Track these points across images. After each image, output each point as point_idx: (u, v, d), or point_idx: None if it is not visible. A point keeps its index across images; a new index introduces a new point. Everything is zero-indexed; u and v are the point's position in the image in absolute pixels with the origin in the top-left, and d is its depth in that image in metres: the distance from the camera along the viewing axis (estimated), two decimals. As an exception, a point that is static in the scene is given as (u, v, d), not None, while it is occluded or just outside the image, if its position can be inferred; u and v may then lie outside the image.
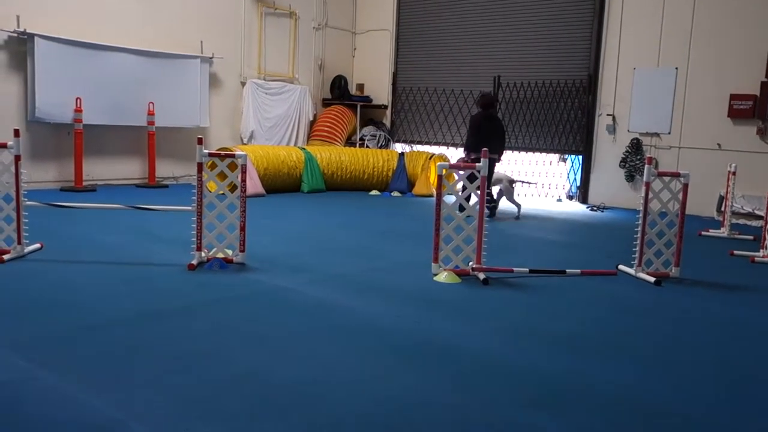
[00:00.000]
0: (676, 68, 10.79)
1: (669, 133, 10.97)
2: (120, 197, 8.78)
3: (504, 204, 9.82)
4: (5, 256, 5.33)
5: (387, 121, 14.29)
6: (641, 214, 5.86)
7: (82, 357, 3.38)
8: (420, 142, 13.80)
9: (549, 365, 3.60)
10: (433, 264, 5.57)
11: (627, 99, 11.34)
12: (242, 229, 5.55)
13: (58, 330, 3.79)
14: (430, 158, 11.91)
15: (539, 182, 12.46)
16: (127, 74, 10.50)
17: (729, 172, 8.57)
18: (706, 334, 4.38)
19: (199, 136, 5.67)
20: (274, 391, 3.08)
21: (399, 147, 14.01)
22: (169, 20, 11.20)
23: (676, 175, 5.89)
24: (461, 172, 5.69)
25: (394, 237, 7.54)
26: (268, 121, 12.82)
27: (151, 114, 10.76)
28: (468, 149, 9.23)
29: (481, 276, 5.43)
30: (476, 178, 5.54)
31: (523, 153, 12.61)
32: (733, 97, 10.22)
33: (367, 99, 14.19)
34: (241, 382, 3.16)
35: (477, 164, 5.57)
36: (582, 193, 11.97)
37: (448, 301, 4.85)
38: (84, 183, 9.97)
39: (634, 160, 11.26)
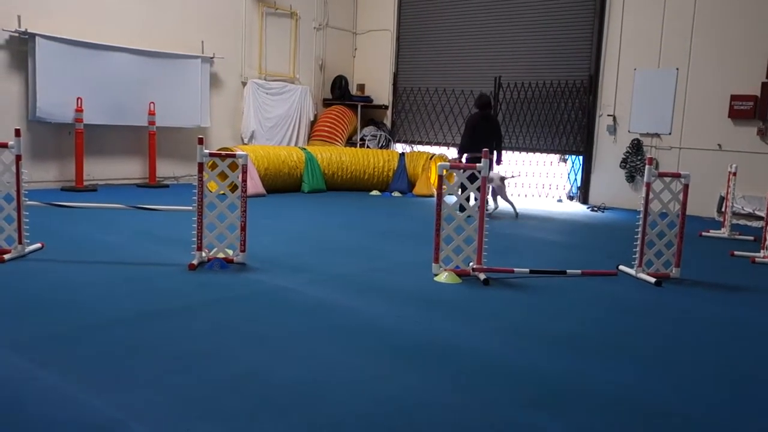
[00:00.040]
0: (677, 69, 10.79)
1: (669, 133, 10.97)
2: (121, 197, 8.78)
3: (502, 204, 9.81)
4: (6, 256, 5.33)
5: (388, 122, 14.30)
6: (642, 215, 5.86)
7: (82, 357, 3.39)
8: (420, 143, 13.80)
9: (549, 365, 3.60)
10: (433, 264, 5.57)
11: (627, 99, 11.35)
12: (243, 229, 5.55)
13: (59, 330, 3.79)
14: (431, 158, 11.91)
15: (538, 181, 12.47)
16: (128, 74, 10.51)
17: (729, 172, 8.56)
18: (707, 335, 4.38)
19: (200, 136, 5.67)
20: (275, 391, 3.08)
21: (399, 147, 14.02)
22: (170, 20, 11.21)
23: (676, 176, 5.89)
24: (461, 172, 5.69)
25: (394, 237, 7.54)
26: (268, 121, 12.83)
27: (151, 114, 10.77)
28: (463, 149, 9.25)
29: (482, 276, 5.43)
30: (475, 178, 5.54)
31: (523, 153, 12.60)
32: (733, 97, 10.22)
33: (368, 99, 14.19)
34: (241, 382, 3.16)
35: (478, 164, 5.57)
36: (582, 194, 11.97)
37: (448, 301, 4.85)
38: (85, 183, 9.98)
39: (634, 160, 11.26)
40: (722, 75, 10.35)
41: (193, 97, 11.42)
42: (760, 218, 8.93)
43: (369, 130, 13.92)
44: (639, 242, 5.87)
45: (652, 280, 5.67)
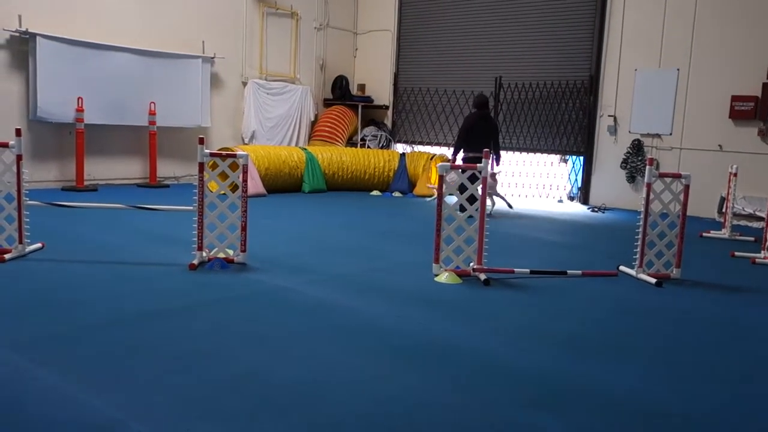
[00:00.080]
0: (678, 69, 10.79)
1: (670, 134, 10.96)
2: (121, 197, 8.79)
3: (501, 204, 9.82)
4: (7, 256, 5.33)
5: (388, 122, 14.30)
6: (642, 215, 5.85)
7: (82, 357, 3.39)
8: (421, 143, 13.80)
9: (550, 366, 3.60)
10: (434, 264, 5.56)
11: (628, 100, 11.34)
12: (243, 229, 5.55)
13: (59, 329, 3.79)
14: (431, 159, 11.90)
15: (539, 182, 12.48)
16: (128, 74, 10.51)
17: (730, 173, 8.56)
18: (707, 335, 4.38)
19: (201, 136, 5.67)
20: (275, 391, 3.08)
21: (400, 147, 14.02)
22: (170, 20, 11.21)
23: (677, 177, 5.89)
24: (461, 173, 5.69)
25: (394, 237, 7.54)
26: (269, 121, 12.83)
27: (152, 114, 10.78)
28: (458, 148, 9.28)
29: (482, 277, 5.43)
30: (475, 178, 5.54)
31: (524, 154, 12.60)
32: (734, 98, 10.22)
33: (369, 99, 14.19)
34: (241, 382, 3.16)
35: (478, 164, 5.57)
36: (583, 194, 11.97)
37: (448, 301, 4.85)
38: (85, 183, 9.98)
39: (635, 161, 11.26)
40: (723, 75, 10.35)
41: (194, 97, 11.42)
42: (760, 219, 8.92)
43: (369, 131, 13.92)
44: (639, 243, 5.86)
45: (653, 280, 5.67)
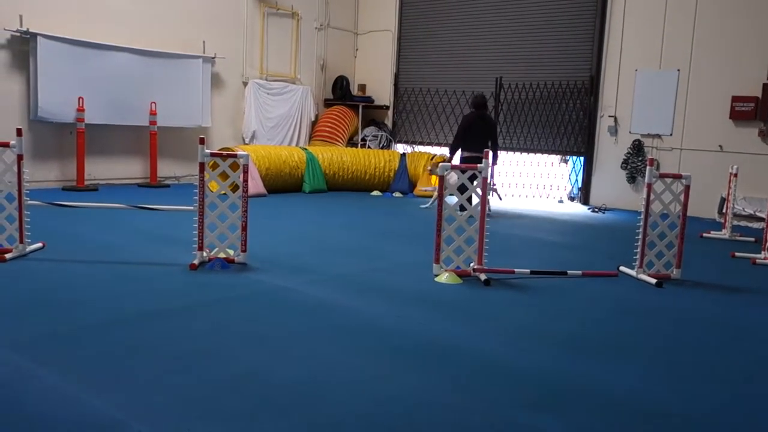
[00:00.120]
0: (678, 70, 10.79)
1: (671, 134, 10.96)
2: (122, 197, 8.79)
3: (497, 203, 9.85)
4: (7, 255, 5.34)
5: (389, 122, 14.30)
6: (642, 216, 5.85)
7: (82, 357, 3.39)
8: (421, 143, 13.79)
9: (550, 366, 3.60)
10: (434, 265, 5.56)
11: (629, 100, 11.34)
12: (244, 229, 5.55)
13: (59, 329, 3.79)
14: (432, 159, 11.90)
15: (539, 182, 12.49)
16: (129, 74, 10.51)
17: (730, 173, 8.56)
18: (707, 336, 4.38)
19: (201, 136, 5.68)
20: (275, 391, 3.08)
21: (400, 148, 14.02)
22: (171, 20, 11.21)
23: (677, 177, 5.89)
24: (460, 173, 5.69)
25: (395, 237, 7.54)
26: (269, 121, 12.83)
27: (153, 114, 10.78)
28: (455, 147, 9.30)
29: (483, 277, 5.43)
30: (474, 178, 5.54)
31: (524, 154, 12.60)
32: (734, 98, 10.21)
33: (369, 99, 14.19)
34: (241, 382, 3.16)
35: (478, 164, 5.57)
36: (583, 195, 11.97)
37: (449, 301, 4.85)
38: (86, 182, 9.98)
39: (635, 161, 11.25)
40: (723, 76, 10.35)
41: (195, 96, 11.43)
42: (761, 219, 8.91)
43: (370, 131, 13.92)
44: (640, 243, 5.86)
45: (653, 281, 5.67)
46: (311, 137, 13.56)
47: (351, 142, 13.72)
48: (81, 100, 9.82)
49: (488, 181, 9.40)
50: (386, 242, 7.20)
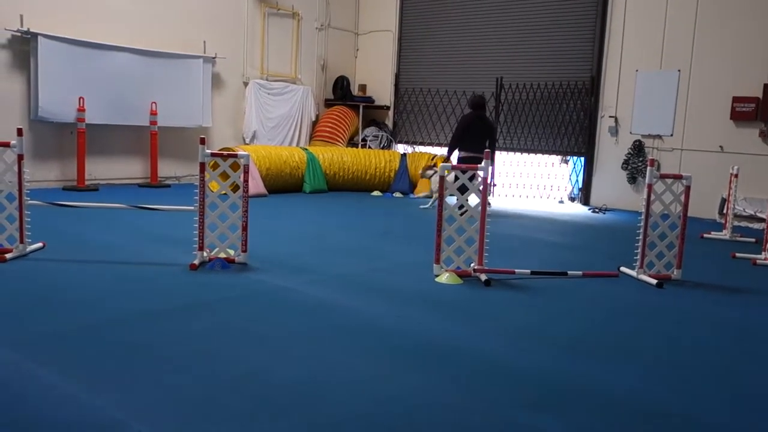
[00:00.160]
0: (679, 70, 10.78)
1: (671, 135, 10.96)
2: (122, 197, 8.79)
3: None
4: (8, 255, 5.34)
5: (389, 122, 14.30)
6: (643, 216, 5.85)
7: (82, 356, 3.39)
8: (422, 143, 13.79)
9: (550, 366, 3.60)
10: (434, 265, 5.56)
11: (629, 101, 11.34)
12: (244, 229, 5.55)
13: (59, 329, 3.79)
14: (432, 159, 11.90)
15: (540, 182, 12.49)
16: (130, 74, 10.52)
17: (731, 174, 8.55)
18: (708, 337, 4.37)
19: (202, 136, 5.68)
20: (275, 391, 3.08)
21: (401, 148, 14.02)
22: (172, 20, 11.22)
23: (678, 178, 5.89)
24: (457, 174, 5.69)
25: (395, 238, 7.54)
26: (270, 122, 12.83)
27: (153, 114, 10.78)
28: (453, 148, 9.31)
29: (483, 277, 5.43)
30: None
31: (525, 154, 12.60)
32: (735, 99, 10.21)
33: (370, 100, 14.20)
34: (241, 382, 3.16)
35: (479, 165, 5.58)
36: (584, 195, 11.96)
37: (449, 302, 4.85)
38: (86, 182, 9.99)
39: (636, 162, 11.25)
40: (724, 77, 10.34)
41: (195, 97, 11.43)
42: (761, 220, 8.91)
43: (370, 131, 13.92)
44: (640, 244, 5.86)
45: (654, 281, 5.67)
46: (312, 137, 13.57)
47: (351, 143, 13.72)
48: (81, 100, 9.82)
49: (489, 182, 9.46)
50: (386, 242, 7.20)
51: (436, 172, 10.51)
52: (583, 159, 11.99)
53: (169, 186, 11.05)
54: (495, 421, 2.89)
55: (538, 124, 12.29)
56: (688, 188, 5.82)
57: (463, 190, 5.72)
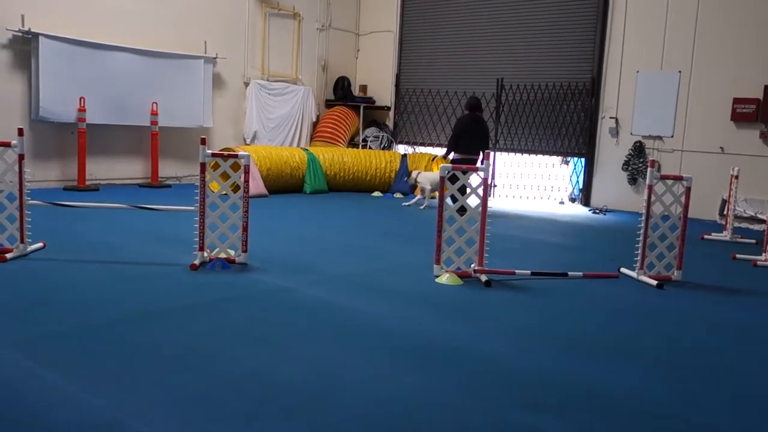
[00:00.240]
0: (680, 71, 10.78)
1: (672, 136, 10.96)
2: (123, 197, 8.79)
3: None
4: (8, 255, 5.34)
5: (390, 123, 14.30)
6: (643, 217, 5.85)
7: (83, 356, 3.39)
8: (423, 144, 13.80)
9: (550, 366, 3.60)
10: (435, 266, 5.56)
11: (630, 102, 11.34)
12: (245, 229, 5.56)
13: (60, 329, 3.80)
14: (433, 160, 11.91)
15: (540, 183, 12.50)
16: (130, 74, 10.52)
17: (732, 175, 8.55)
18: (708, 338, 4.37)
19: (203, 137, 5.68)
20: (276, 391, 3.08)
21: (402, 148, 14.02)
22: (173, 20, 11.23)
23: (678, 179, 5.89)
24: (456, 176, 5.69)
25: (395, 238, 7.54)
26: (271, 122, 12.84)
27: (154, 114, 10.78)
28: (450, 149, 9.33)
29: (483, 278, 5.43)
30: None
31: (525, 155, 12.60)
32: (736, 100, 10.21)
33: (370, 100, 14.20)
34: (242, 381, 3.16)
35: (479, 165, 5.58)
36: (584, 196, 11.96)
37: (449, 302, 4.85)
38: (87, 182, 9.99)
39: (636, 163, 11.25)
40: (725, 78, 10.34)
41: (196, 97, 11.44)
42: (762, 221, 8.91)
43: (371, 131, 13.92)
44: (641, 245, 5.86)
45: (654, 282, 5.67)
46: (312, 138, 13.57)
47: (352, 143, 13.72)
48: (82, 100, 9.83)
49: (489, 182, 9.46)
50: (387, 243, 7.20)
51: (420, 173, 10.54)
52: (583, 160, 11.99)
53: (169, 186, 11.05)
54: (495, 421, 2.90)
55: (538, 125, 12.29)
56: (688, 189, 5.82)
57: (463, 191, 5.72)
